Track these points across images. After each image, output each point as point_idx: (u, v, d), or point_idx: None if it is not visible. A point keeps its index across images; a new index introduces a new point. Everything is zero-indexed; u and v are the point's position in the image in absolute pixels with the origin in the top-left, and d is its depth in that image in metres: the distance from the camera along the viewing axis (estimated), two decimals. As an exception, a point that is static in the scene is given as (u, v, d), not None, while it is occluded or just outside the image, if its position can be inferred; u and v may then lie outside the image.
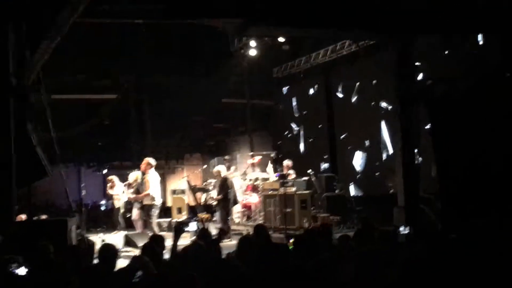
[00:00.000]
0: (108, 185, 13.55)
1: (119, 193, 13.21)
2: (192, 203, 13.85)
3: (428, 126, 11.58)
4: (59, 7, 7.96)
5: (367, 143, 14.70)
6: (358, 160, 15.00)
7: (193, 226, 6.25)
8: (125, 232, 11.63)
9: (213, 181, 13.77)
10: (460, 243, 5.14)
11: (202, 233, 6.31)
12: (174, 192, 14.19)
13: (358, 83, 14.96)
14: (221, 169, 12.41)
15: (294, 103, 17.60)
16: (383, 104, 13.89)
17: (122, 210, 13.09)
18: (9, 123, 7.66)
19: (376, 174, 14.12)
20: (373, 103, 14.30)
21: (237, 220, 13.58)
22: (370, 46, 13.25)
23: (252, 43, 14.83)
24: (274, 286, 3.80)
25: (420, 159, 10.95)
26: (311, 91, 16.90)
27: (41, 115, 8.43)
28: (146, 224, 11.19)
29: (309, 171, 13.25)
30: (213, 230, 11.70)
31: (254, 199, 13.41)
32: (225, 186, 11.91)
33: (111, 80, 17.07)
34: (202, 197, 13.89)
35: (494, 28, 10.21)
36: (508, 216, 7.60)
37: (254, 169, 14.57)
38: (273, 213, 12.01)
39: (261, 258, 4.27)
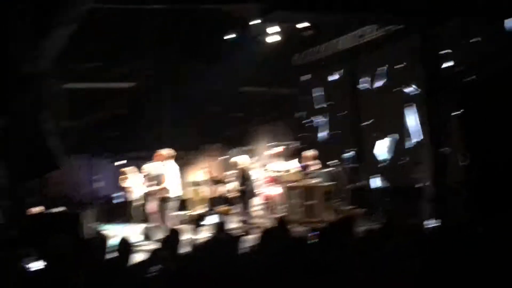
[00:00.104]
0: (121, 177, 13.37)
1: (133, 185, 13.01)
2: (211, 196, 13.62)
3: (456, 114, 11.24)
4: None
5: (392, 130, 14.30)
6: (384, 148, 14.61)
7: (212, 219, 5.99)
8: (140, 225, 11.42)
9: (232, 172, 13.52)
10: (488, 237, 4.92)
11: (222, 226, 6.13)
12: (192, 184, 13.97)
13: (383, 68, 14.54)
14: (241, 160, 12.16)
15: (316, 91, 17.24)
16: (409, 89, 13.46)
17: (137, 203, 12.87)
18: (22, 113, 7.49)
19: (403, 163, 13.73)
20: (398, 88, 13.89)
21: (258, 213, 13.31)
22: (396, 31, 12.83)
23: (272, 29, 14.43)
24: (295, 281, 3.71)
25: (448, 149, 10.61)
26: (333, 77, 16.52)
27: (54, 104, 8.24)
28: (162, 217, 10.93)
29: (332, 162, 12.94)
30: (233, 223, 11.53)
31: (275, 191, 13.16)
32: (245, 177, 11.71)
33: (128, 68, 16.87)
34: (221, 189, 13.66)
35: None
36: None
37: (275, 160, 14.28)
38: (296, 206, 11.77)
39: (282, 252, 4.20)
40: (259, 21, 13.04)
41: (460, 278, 3.68)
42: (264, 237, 5.12)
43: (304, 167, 12.01)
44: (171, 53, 16.15)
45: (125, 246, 4.93)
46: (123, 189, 13.69)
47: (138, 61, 16.72)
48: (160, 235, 6.57)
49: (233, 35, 15.27)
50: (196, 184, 13.88)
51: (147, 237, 10.51)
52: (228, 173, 13.91)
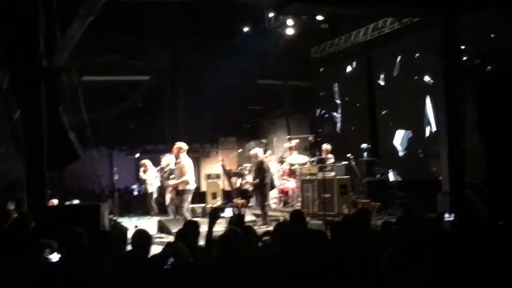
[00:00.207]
0: (141, 169, 13.40)
1: (152, 177, 13.03)
2: (227, 188, 13.61)
3: (475, 107, 11.11)
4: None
5: (409, 122, 14.17)
6: (400, 139, 14.48)
7: (228, 212, 5.99)
8: (159, 218, 11.44)
9: (248, 165, 13.51)
10: (508, 231, 4.90)
11: (238, 220, 6.10)
12: (208, 176, 13.98)
13: (400, 57, 14.41)
14: (258, 152, 12.08)
15: (333, 84, 17.12)
16: (426, 82, 13.32)
17: (155, 195, 12.91)
18: (41, 105, 7.52)
19: (420, 155, 13.60)
20: (415, 81, 13.76)
21: (273, 206, 13.28)
22: (414, 23, 12.68)
23: (289, 21, 14.34)
24: (311, 274, 3.65)
25: (466, 142, 10.46)
26: (350, 68, 16.41)
27: (73, 97, 8.27)
28: (177, 209, 10.92)
29: (348, 155, 12.85)
30: (249, 216, 11.50)
31: (291, 184, 13.13)
32: (261, 170, 11.62)
33: (145, 61, 16.88)
34: (237, 182, 13.65)
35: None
36: None
37: (291, 153, 14.23)
38: (311, 199, 11.74)
39: (298, 245, 4.16)
40: (276, 14, 12.95)
41: (477, 273, 3.62)
42: (279, 230, 5.11)
43: (320, 160, 11.91)
44: (188, 46, 16.13)
45: (144, 238, 4.93)
46: (142, 181, 13.72)
47: (155, 55, 16.73)
48: (178, 227, 6.57)
49: (250, 28, 15.22)
50: (212, 177, 13.85)
51: (165, 229, 10.53)
52: (244, 166, 13.88)
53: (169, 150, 12.29)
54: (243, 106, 18.62)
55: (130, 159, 19.11)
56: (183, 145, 11.12)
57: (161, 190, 12.50)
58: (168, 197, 11.49)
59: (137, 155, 16.70)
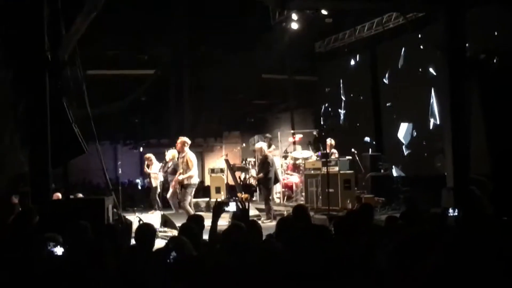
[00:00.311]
0: (146, 163, 13.40)
1: (157, 171, 13.04)
2: (231, 183, 13.60)
3: (480, 102, 11.07)
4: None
5: (414, 113, 14.14)
6: (404, 132, 14.45)
7: (232, 206, 5.97)
8: (162, 212, 11.45)
9: (252, 159, 13.50)
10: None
11: (242, 214, 6.08)
12: (212, 171, 13.96)
13: (404, 48, 14.37)
14: (263, 146, 12.06)
15: (337, 79, 17.08)
16: (431, 77, 13.28)
17: (159, 190, 12.92)
18: (45, 99, 7.51)
19: (423, 152, 13.58)
20: (420, 76, 13.71)
21: (277, 201, 13.28)
22: (418, 18, 12.63)
23: (294, 16, 14.29)
24: (313, 270, 3.62)
25: (471, 137, 10.42)
26: (353, 62, 16.37)
27: (77, 91, 8.26)
28: (183, 203, 10.92)
29: (352, 149, 12.84)
30: (253, 210, 11.50)
31: (295, 178, 13.12)
32: (266, 164, 11.61)
33: (149, 55, 16.88)
34: (241, 176, 13.63)
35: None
36: None
37: (295, 148, 14.21)
38: (315, 194, 11.74)
39: (301, 240, 4.07)
40: (281, 8, 12.89)
41: (481, 269, 3.59)
42: (282, 225, 5.09)
43: (324, 155, 11.88)
44: (192, 40, 16.11)
45: (148, 232, 4.92)
46: (146, 175, 13.73)
47: (160, 49, 16.73)
48: (181, 221, 6.58)
49: (255, 22, 15.19)
50: (216, 171, 13.84)
51: (169, 224, 10.54)
52: (248, 160, 13.87)
53: (173, 144, 12.29)
54: (248, 100, 18.62)
55: (134, 153, 19.15)
56: (187, 140, 11.12)
57: (165, 184, 12.49)
58: (170, 190, 11.47)
59: (141, 149, 16.72)
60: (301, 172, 12.78)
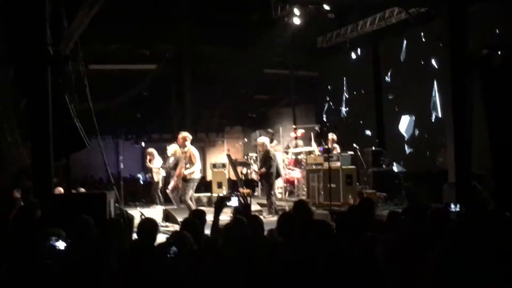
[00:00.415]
0: (148, 158, 13.41)
1: (159, 166, 13.04)
2: (233, 178, 13.61)
3: (482, 98, 11.04)
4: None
5: (416, 106, 14.13)
6: (406, 125, 14.45)
7: (234, 201, 5.97)
8: (164, 207, 11.46)
9: (254, 155, 13.50)
10: None
11: (244, 209, 6.08)
12: (214, 166, 13.97)
13: (406, 50, 14.35)
14: (265, 141, 12.06)
15: (339, 74, 17.06)
16: (433, 62, 13.27)
17: (161, 185, 12.93)
18: (47, 94, 7.51)
19: (426, 147, 13.56)
20: (423, 62, 13.69)
21: (279, 196, 13.29)
22: (421, 13, 12.60)
23: (296, 11, 14.27)
24: (315, 265, 3.60)
25: (473, 133, 10.41)
26: (355, 57, 16.36)
27: (79, 85, 8.25)
28: (185, 198, 10.93)
29: (354, 145, 12.83)
30: (254, 205, 11.50)
31: (297, 174, 13.12)
32: (268, 159, 11.62)
33: (151, 50, 16.86)
34: (243, 171, 13.64)
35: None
36: None
37: (297, 143, 14.21)
38: (317, 189, 11.74)
39: (302, 235, 4.11)
40: (283, 3, 12.88)
41: (485, 263, 3.59)
42: (283, 220, 5.06)
43: (326, 150, 11.88)
44: (194, 35, 16.08)
45: (150, 227, 4.92)
46: (148, 170, 13.74)
47: (162, 44, 16.71)
48: (183, 216, 6.59)
49: (257, 18, 15.17)
50: (218, 166, 13.84)
51: (170, 218, 10.56)
52: (249, 155, 13.86)
53: (175, 139, 12.30)
54: (249, 95, 18.60)
55: (136, 148, 19.17)
56: (188, 135, 11.13)
57: (167, 179, 12.49)
58: (171, 185, 11.47)
59: (143, 144, 16.74)
60: (303, 167, 12.78)
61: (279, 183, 13.16)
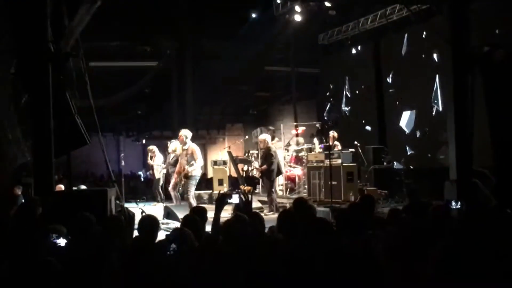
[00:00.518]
0: (149, 155, 13.42)
1: (160, 163, 13.04)
2: (234, 175, 13.60)
3: (483, 94, 11.02)
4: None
5: (417, 100, 14.12)
6: (407, 120, 14.44)
7: (235, 198, 5.97)
8: (165, 204, 11.45)
9: (255, 152, 13.49)
10: None
11: (245, 206, 6.06)
12: (215, 163, 13.97)
13: (408, 47, 14.33)
14: (266, 138, 12.04)
15: (341, 71, 17.04)
16: (435, 56, 13.25)
17: (162, 182, 12.93)
18: (48, 91, 7.50)
19: (427, 144, 13.55)
20: (424, 56, 13.67)
21: (280, 193, 13.28)
22: (422, 11, 12.59)
23: (297, 8, 14.26)
24: (316, 262, 3.60)
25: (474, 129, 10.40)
26: (357, 54, 16.34)
27: (79, 82, 8.25)
28: (186, 195, 10.93)
29: (355, 142, 12.83)
30: (255, 203, 11.50)
31: (297, 171, 13.10)
32: (269, 156, 11.60)
33: (153, 46, 16.86)
34: (244, 168, 13.63)
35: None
36: None
37: (298, 140, 14.19)
38: (318, 186, 11.72)
39: (303, 233, 4.16)
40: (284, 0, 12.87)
41: (486, 260, 3.59)
42: (283, 217, 5.06)
43: (326, 147, 11.87)
44: (195, 32, 16.07)
45: (151, 224, 4.90)
46: (149, 167, 13.74)
47: (163, 40, 16.69)
48: (184, 213, 6.58)
49: (258, 14, 15.16)
50: (219, 163, 13.84)
51: (171, 215, 10.54)
52: (250, 152, 13.86)
53: (176, 136, 12.30)
54: (251, 92, 18.60)
55: (137, 145, 19.16)
56: (188, 132, 11.12)
57: (167, 176, 12.49)
58: (172, 182, 11.47)
59: (144, 141, 16.74)
60: (304, 164, 12.77)
61: (280, 180, 13.15)
